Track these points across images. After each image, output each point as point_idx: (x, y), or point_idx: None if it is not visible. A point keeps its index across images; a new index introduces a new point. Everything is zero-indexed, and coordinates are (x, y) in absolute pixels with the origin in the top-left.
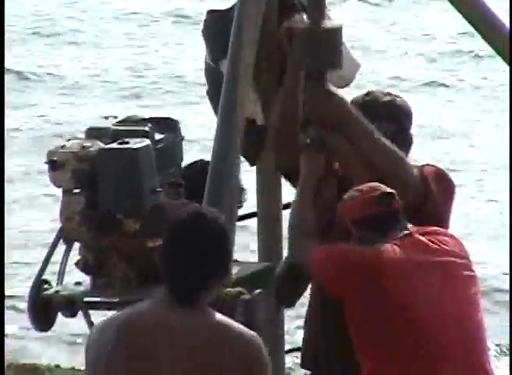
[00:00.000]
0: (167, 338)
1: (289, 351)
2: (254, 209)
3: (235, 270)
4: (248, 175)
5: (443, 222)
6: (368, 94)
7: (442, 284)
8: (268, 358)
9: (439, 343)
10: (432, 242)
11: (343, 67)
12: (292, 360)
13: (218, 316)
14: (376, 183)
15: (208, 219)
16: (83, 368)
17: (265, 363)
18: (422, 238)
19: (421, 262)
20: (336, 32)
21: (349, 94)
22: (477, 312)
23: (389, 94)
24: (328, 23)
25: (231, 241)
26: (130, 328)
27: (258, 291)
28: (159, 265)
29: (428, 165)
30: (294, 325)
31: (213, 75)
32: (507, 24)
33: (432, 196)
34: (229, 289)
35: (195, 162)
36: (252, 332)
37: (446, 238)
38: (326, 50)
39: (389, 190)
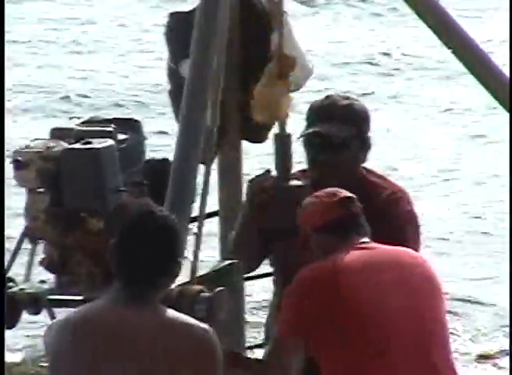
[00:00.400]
0: (120, 335)
1: (250, 347)
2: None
3: (198, 268)
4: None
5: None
6: (327, 97)
7: (398, 284)
8: (220, 353)
9: (392, 341)
10: (390, 249)
11: (295, 73)
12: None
13: (171, 312)
14: (335, 189)
15: (157, 217)
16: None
17: (217, 357)
18: (380, 245)
19: (379, 265)
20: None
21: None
22: (435, 309)
23: (347, 97)
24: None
25: (180, 238)
26: (85, 327)
27: (219, 288)
28: (110, 262)
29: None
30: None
31: (175, 77)
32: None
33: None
34: (189, 287)
35: (150, 159)
36: (206, 326)
37: (404, 248)
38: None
39: (348, 194)
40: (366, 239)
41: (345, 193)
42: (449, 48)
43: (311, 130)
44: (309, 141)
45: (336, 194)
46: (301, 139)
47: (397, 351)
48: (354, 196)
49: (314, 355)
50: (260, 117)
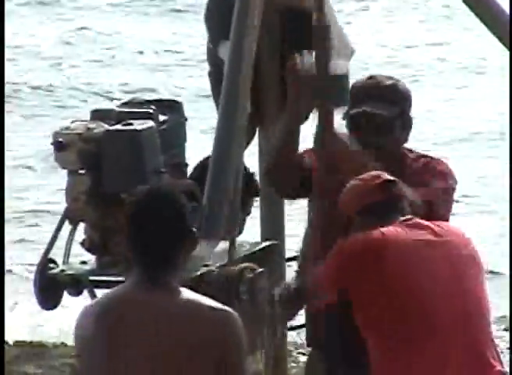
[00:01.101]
0: (142, 320)
1: (292, 328)
2: None
3: (239, 249)
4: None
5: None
6: (370, 77)
7: (443, 262)
8: (243, 333)
9: (440, 318)
10: (434, 224)
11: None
12: (295, 338)
13: (190, 293)
14: (377, 172)
15: (162, 197)
16: None
17: (239, 338)
18: (424, 221)
19: (422, 241)
20: (342, 76)
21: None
22: (479, 289)
23: (391, 77)
24: (335, 67)
25: (185, 216)
26: (107, 313)
27: (261, 269)
28: (126, 246)
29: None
30: None
31: (214, 58)
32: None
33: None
34: (232, 268)
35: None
36: (226, 307)
37: (447, 224)
38: (334, 94)
39: (390, 177)
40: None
41: (386, 176)
42: None
43: (358, 110)
44: (355, 120)
45: (378, 176)
46: (345, 118)
47: (443, 329)
48: (397, 179)
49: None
50: None
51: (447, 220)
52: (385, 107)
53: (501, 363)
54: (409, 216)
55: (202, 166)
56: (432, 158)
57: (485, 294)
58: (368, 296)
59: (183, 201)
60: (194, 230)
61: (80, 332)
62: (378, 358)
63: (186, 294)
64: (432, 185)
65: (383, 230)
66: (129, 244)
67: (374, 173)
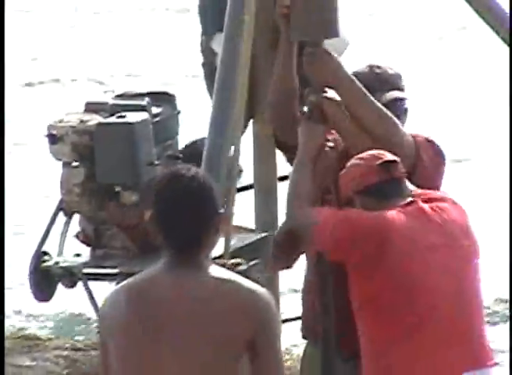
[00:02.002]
0: (173, 300)
1: (286, 320)
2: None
3: (232, 241)
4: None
5: (434, 189)
6: (376, 67)
7: (442, 252)
8: (275, 314)
9: (437, 308)
10: (434, 210)
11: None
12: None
13: (222, 272)
14: (379, 151)
15: (185, 178)
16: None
17: (272, 318)
18: (425, 206)
19: (423, 230)
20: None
21: None
22: (475, 280)
23: (389, 67)
24: None
25: (213, 196)
26: (139, 295)
27: (255, 261)
28: (154, 233)
29: (416, 134)
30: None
31: (206, 50)
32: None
33: (421, 165)
34: (225, 260)
35: (193, 142)
36: (259, 287)
37: (448, 206)
38: (322, 24)
39: (391, 157)
40: (408, 200)
41: (388, 156)
42: None
43: (390, 97)
44: (388, 107)
45: (379, 157)
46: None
47: (442, 316)
48: (397, 159)
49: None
50: None
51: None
52: (402, 94)
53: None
54: (410, 199)
55: (194, 144)
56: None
57: (479, 286)
58: (367, 274)
59: (210, 181)
60: (222, 211)
61: (109, 315)
62: (373, 343)
63: (218, 273)
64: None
65: (388, 214)
66: (157, 227)
67: (375, 152)
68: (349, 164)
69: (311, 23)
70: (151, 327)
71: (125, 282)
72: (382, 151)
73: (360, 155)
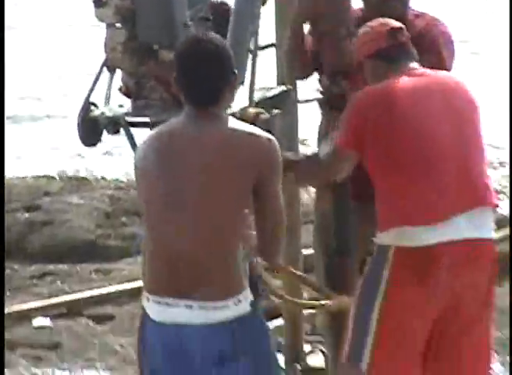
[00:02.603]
0: (195, 142)
1: None
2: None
3: (256, 94)
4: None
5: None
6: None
7: (444, 107)
8: (278, 159)
9: (440, 153)
10: (435, 74)
11: None
12: None
13: (235, 122)
14: (386, 19)
15: (204, 41)
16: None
17: (275, 163)
18: (429, 70)
19: (426, 87)
20: None
21: None
22: (476, 134)
23: None
24: None
25: (229, 57)
26: (165, 140)
27: (275, 111)
28: (177, 90)
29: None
30: None
31: None
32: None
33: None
34: (248, 110)
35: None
36: (266, 134)
37: (451, 76)
38: None
39: (398, 24)
40: (415, 64)
41: (395, 23)
42: None
43: None
44: None
45: (386, 23)
46: None
47: (442, 172)
48: (403, 26)
49: (369, 171)
50: None
51: None
52: None
53: (496, 197)
54: (414, 64)
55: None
56: (431, 17)
57: (482, 138)
58: (377, 138)
59: (227, 45)
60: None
61: (140, 161)
62: (383, 194)
63: (232, 123)
64: (443, 51)
65: (387, 82)
66: (179, 83)
67: (381, 20)
68: (359, 31)
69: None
70: (175, 169)
71: (153, 131)
72: (388, 19)
73: (369, 23)
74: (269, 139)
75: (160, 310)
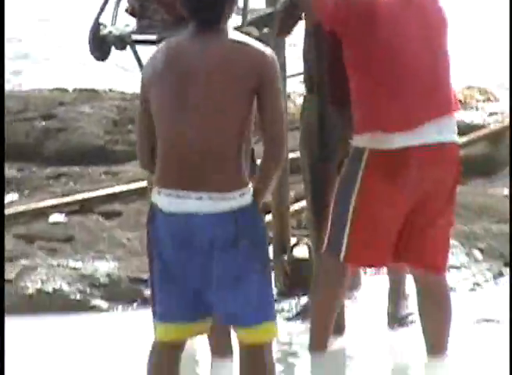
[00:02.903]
0: (199, 56)
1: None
2: None
3: (249, 15)
4: None
5: None
6: None
7: (419, 20)
8: (277, 71)
9: (412, 68)
10: None
11: None
12: None
13: (238, 35)
14: None
15: None
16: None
17: (273, 73)
18: None
19: (405, 9)
20: None
21: None
22: (443, 44)
23: None
24: None
25: None
26: (173, 52)
27: (266, 29)
28: (183, 10)
29: None
30: None
31: None
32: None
33: None
34: (242, 29)
35: None
36: (266, 48)
37: None
38: None
39: None
40: None
41: None
42: None
43: None
44: None
45: None
46: None
47: (414, 82)
48: None
49: (347, 72)
50: None
51: None
52: None
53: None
54: None
55: None
56: None
57: (448, 51)
58: (358, 37)
59: None
60: None
61: (150, 69)
62: (359, 97)
63: (235, 36)
64: None
65: None
66: (184, 4)
67: None
68: None
69: None
70: (182, 76)
71: (161, 44)
72: None
73: None
74: (269, 52)
75: (171, 201)
